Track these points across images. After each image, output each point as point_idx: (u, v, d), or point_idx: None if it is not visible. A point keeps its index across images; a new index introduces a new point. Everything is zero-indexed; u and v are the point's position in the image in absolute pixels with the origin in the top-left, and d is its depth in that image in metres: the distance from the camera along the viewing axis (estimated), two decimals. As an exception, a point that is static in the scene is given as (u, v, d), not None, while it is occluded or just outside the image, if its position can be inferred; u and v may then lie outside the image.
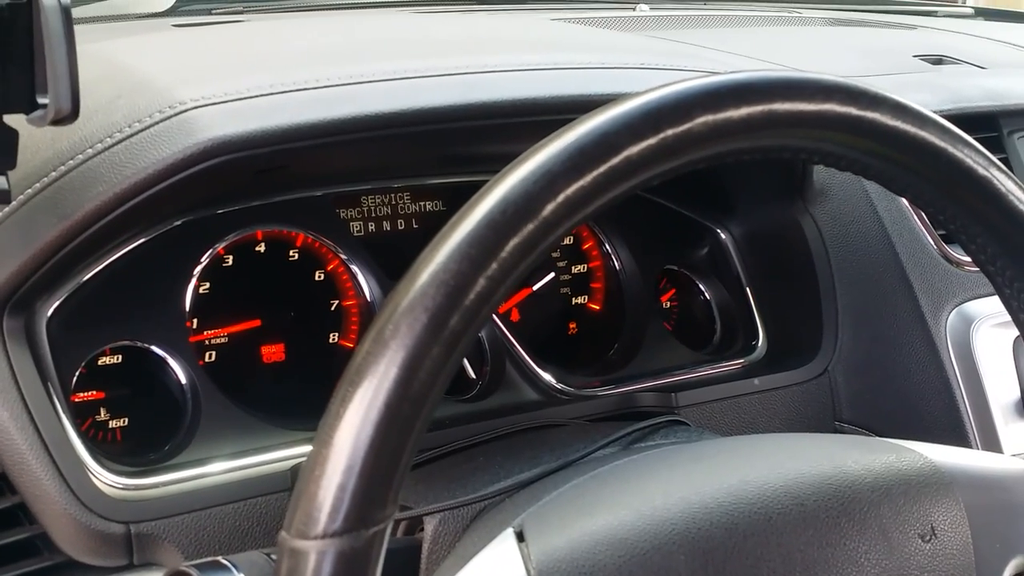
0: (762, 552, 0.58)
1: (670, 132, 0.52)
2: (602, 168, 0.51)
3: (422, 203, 0.94)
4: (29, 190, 0.69)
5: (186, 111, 0.69)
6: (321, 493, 0.45)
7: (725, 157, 0.55)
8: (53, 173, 0.69)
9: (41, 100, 0.63)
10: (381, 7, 1.35)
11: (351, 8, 1.31)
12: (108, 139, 0.69)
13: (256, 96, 0.70)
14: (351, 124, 0.70)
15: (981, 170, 0.60)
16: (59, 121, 0.62)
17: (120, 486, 0.72)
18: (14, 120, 0.63)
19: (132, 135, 0.68)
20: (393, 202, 0.94)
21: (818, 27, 1.46)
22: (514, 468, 0.73)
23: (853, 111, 0.57)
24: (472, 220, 0.49)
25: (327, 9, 1.30)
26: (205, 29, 1.09)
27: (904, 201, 0.99)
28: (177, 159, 0.66)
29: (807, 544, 0.60)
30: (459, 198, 0.96)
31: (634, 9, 1.45)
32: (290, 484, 0.77)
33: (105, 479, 0.72)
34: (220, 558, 0.62)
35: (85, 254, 0.72)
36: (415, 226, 0.95)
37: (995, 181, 0.59)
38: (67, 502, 0.69)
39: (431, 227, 0.94)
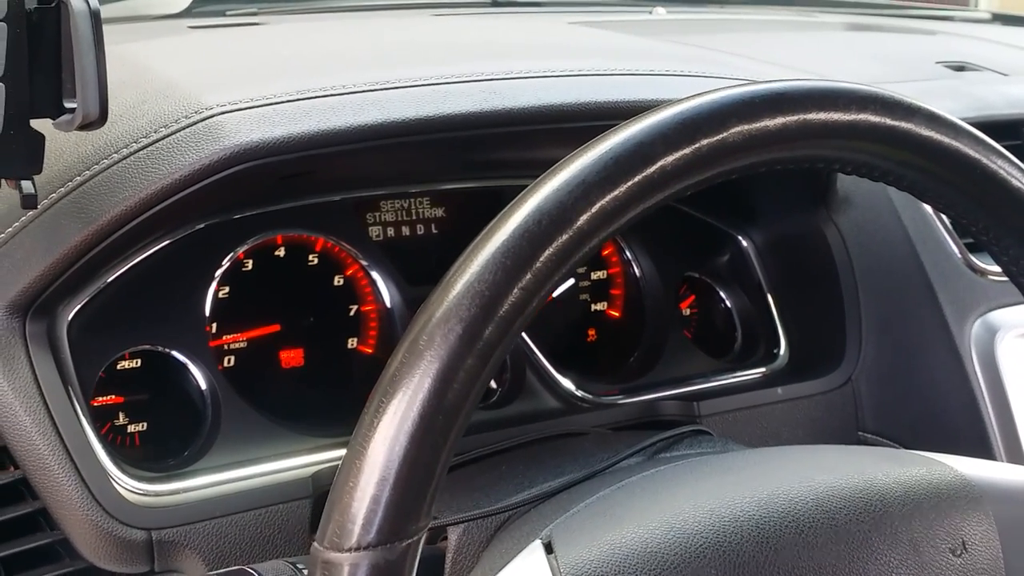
0: (793, 566, 0.58)
1: (705, 142, 0.51)
2: (637, 178, 0.50)
3: (442, 208, 0.93)
4: (53, 194, 0.69)
5: (212, 116, 0.68)
6: (355, 505, 0.45)
7: (759, 167, 0.55)
8: (78, 178, 0.69)
9: (68, 105, 0.63)
10: (396, 9, 1.35)
11: (365, 10, 1.30)
12: (134, 144, 0.68)
13: (283, 102, 0.69)
14: (378, 130, 0.69)
15: (1015, 181, 0.60)
16: (87, 126, 0.61)
17: (142, 492, 0.72)
18: (40, 125, 0.63)
19: (158, 140, 0.68)
20: (413, 207, 0.93)
21: (837, 32, 1.45)
22: (538, 477, 0.73)
23: (887, 121, 0.57)
24: (506, 230, 0.48)
25: (341, 11, 1.30)
26: (224, 32, 1.09)
27: (929, 209, 0.98)
28: (204, 164, 0.66)
29: (838, 558, 0.59)
30: (480, 203, 0.96)
31: (651, 12, 1.45)
32: (311, 491, 0.76)
33: (127, 485, 0.72)
34: (245, 567, 0.61)
35: (108, 258, 0.71)
36: (434, 231, 0.94)
37: (1030, 193, 0.58)
38: (89, 508, 0.68)
39: (450, 232, 0.94)
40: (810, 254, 0.99)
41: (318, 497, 0.76)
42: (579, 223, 0.49)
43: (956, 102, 1.02)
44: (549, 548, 0.57)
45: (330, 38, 0.97)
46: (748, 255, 1.03)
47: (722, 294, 1.04)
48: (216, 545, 0.72)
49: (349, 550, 0.45)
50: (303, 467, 0.78)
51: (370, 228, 0.91)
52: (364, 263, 0.90)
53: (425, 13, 1.30)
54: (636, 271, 1.01)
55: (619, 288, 1.03)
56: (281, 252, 0.88)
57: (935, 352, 0.96)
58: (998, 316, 0.97)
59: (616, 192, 0.50)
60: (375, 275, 0.90)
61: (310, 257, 0.89)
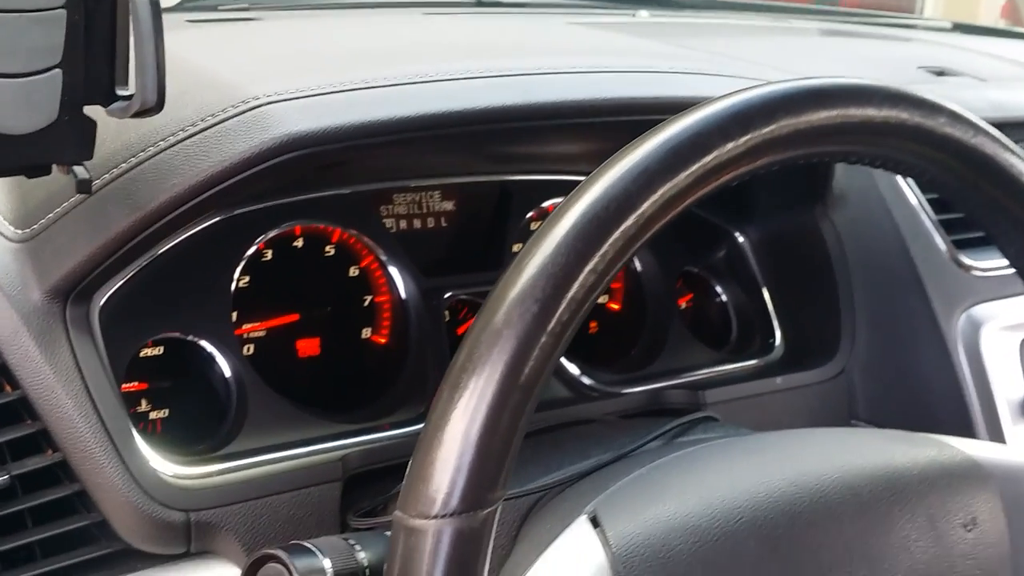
0: (823, 539, 0.61)
1: (755, 134, 0.54)
2: (695, 167, 0.53)
3: (457, 201, 0.95)
4: (98, 181, 0.70)
5: (260, 106, 0.70)
6: (438, 475, 0.47)
7: (799, 160, 0.58)
8: (124, 165, 0.70)
9: (120, 92, 0.64)
10: (388, 7, 1.36)
11: (356, 7, 1.32)
12: (181, 132, 0.70)
13: (328, 92, 0.71)
14: (420, 122, 0.71)
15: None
16: (142, 113, 0.63)
17: (180, 475, 0.73)
18: (92, 111, 0.64)
19: (205, 129, 0.69)
20: (428, 200, 0.95)
21: (816, 37, 1.50)
22: (564, 460, 0.75)
23: (915, 118, 0.60)
24: (576, 214, 0.51)
25: (332, 8, 1.31)
26: (226, 26, 1.10)
27: (917, 206, 1.03)
28: (253, 153, 0.67)
29: (863, 531, 0.62)
30: (491, 197, 0.98)
31: (634, 15, 1.48)
32: (341, 474, 0.78)
33: (166, 468, 0.73)
34: (303, 542, 0.63)
35: (149, 245, 0.72)
36: (446, 224, 0.96)
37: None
38: (130, 491, 0.69)
39: (463, 225, 0.96)
40: (805, 249, 1.03)
41: (348, 480, 0.78)
42: (643, 208, 0.52)
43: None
44: (595, 522, 0.60)
45: (345, 34, 0.98)
46: (744, 250, 1.06)
47: (718, 288, 1.07)
48: (251, 526, 0.73)
49: (434, 517, 0.47)
50: (332, 451, 0.79)
51: (385, 220, 0.93)
52: (379, 254, 0.91)
53: (415, 12, 1.31)
54: (636, 266, 1.04)
55: (619, 282, 1.05)
56: (299, 243, 0.89)
57: (924, 344, 1.00)
58: (983, 310, 1.01)
59: (676, 179, 0.52)
60: (390, 266, 0.91)
61: (327, 248, 0.90)
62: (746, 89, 0.55)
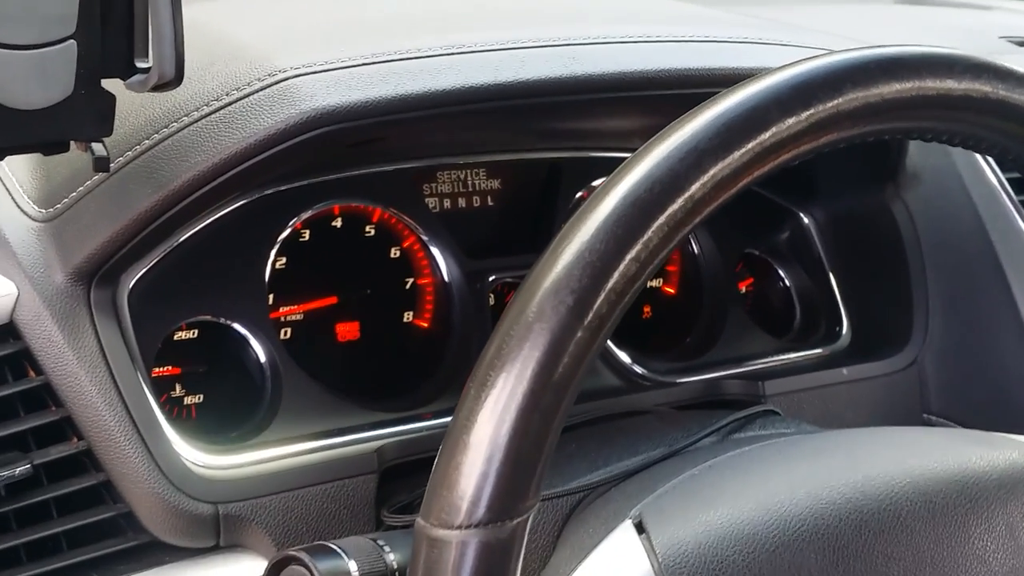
0: (892, 551, 0.56)
1: (820, 107, 0.49)
2: (750, 144, 0.48)
3: (499, 180, 0.91)
4: (120, 159, 0.67)
5: (287, 79, 0.66)
6: (463, 481, 0.43)
7: (868, 137, 0.53)
8: (147, 141, 0.67)
9: (140, 65, 0.61)
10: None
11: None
12: (205, 107, 0.66)
13: (359, 65, 0.67)
14: (456, 96, 0.67)
15: None
16: (161, 87, 0.59)
17: (208, 465, 0.70)
18: (111, 86, 0.61)
19: (231, 103, 0.66)
20: (471, 178, 0.91)
21: (891, 6, 1.42)
22: (612, 456, 0.71)
23: (1001, 91, 0.54)
24: (616, 197, 0.46)
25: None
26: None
27: (998, 186, 0.97)
28: (279, 129, 0.64)
29: (936, 542, 0.57)
30: (539, 175, 0.94)
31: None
32: (377, 466, 0.74)
33: (193, 458, 0.70)
34: (327, 543, 0.60)
35: (175, 225, 0.69)
36: (492, 203, 0.92)
37: None
38: (155, 481, 0.67)
39: (510, 204, 0.92)
40: (875, 231, 0.97)
41: (384, 472, 0.74)
42: (691, 191, 0.47)
43: (1026, 77, 0.99)
44: (640, 528, 0.56)
45: (381, 1, 0.93)
46: (809, 232, 1.01)
47: (781, 272, 1.02)
48: (283, 520, 0.70)
49: (459, 527, 0.43)
50: (367, 441, 0.76)
51: (427, 199, 0.89)
52: (421, 235, 0.88)
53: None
54: (694, 248, 0.99)
55: (675, 264, 1.00)
56: (338, 223, 0.86)
57: (1003, 333, 0.94)
58: (1068, 296, 0.95)
59: (729, 159, 0.48)
60: (432, 248, 0.88)
61: (367, 228, 0.87)
62: (809, 59, 0.50)
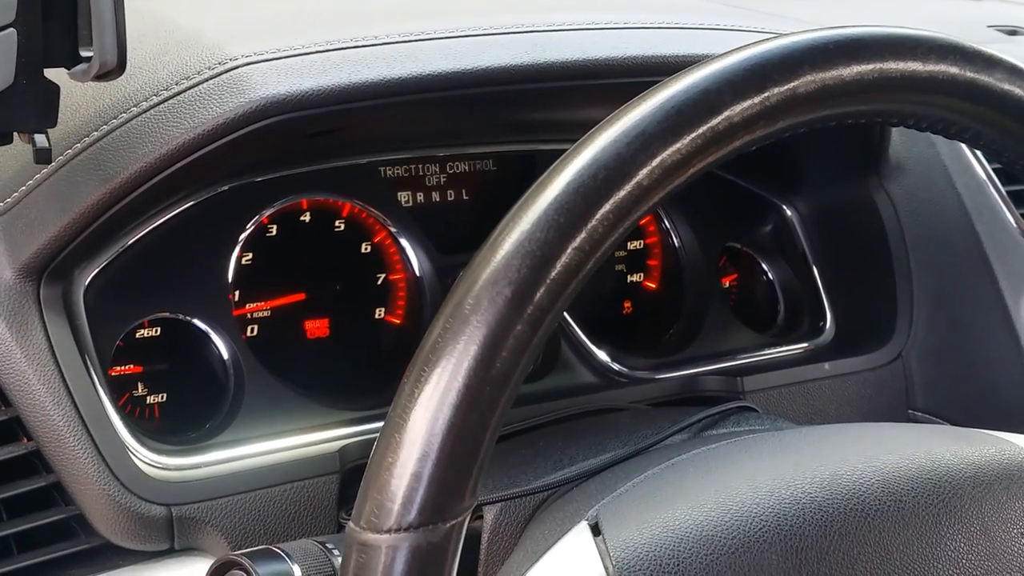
0: (858, 552, 0.54)
1: (775, 91, 0.47)
2: (701, 129, 0.46)
3: (476, 173, 0.89)
4: (69, 151, 0.65)
5: (237, 67, 0.64)
6: (394, 482, 0.41)
7: (828, 121, 0.50)
8: (95, 133, 0.65)
9: (84, 54, 0.59)
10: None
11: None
12: (154, 97, 0.65)
13: (311, 52, 0.65)
14: (411, 84, 0.65)
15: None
16: (104, 76, 0.58)
17: (161, 466, 0.68)
18: (55, 76, 0.59)
19: (180, 92, 0.64)
20: (444, 171, 0.89)
21: (881, -4, 1.40)
22: (578, 455, 0.69)
23: (967, 73, 0.52)
24: (559, 184, 0.44)
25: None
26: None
27: (984, 176, 0.94)
28: (228, 119, 0.62)
29: (905, 544, 0.55)
30: (514, 168, 0.92)
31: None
32: (339, 466, 0.72)
33: (146, 458, 0.68)
34: (272, 547, 0.58)
35: (127, 219, 0.68)
36: (466, 197, 0.90)
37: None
38: (105, 482, 0.65)
39: (483, 198, 0.90)
40: (859, 224, 0.95)
41: (346, 473, 0.72)
42: (639, 177, 0.45)
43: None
44: (596, 530, 0.54)
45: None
46: (792, 225, 0.99)
47: (764, 266, 1.00)
48: (239, 522, 0.68)
49: (388, 531, 0.41)
50: (330, 441, 0.75)
51: (399, 193, 0.87)
52: (393, 230, 0.86)
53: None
54: (675, 241, 0.97)
55: (656, 259, 0.99)
56: (306, 217, 0.84)
57: (989, 327, 0.92)
58: (1056, 290, 0.93)
59: (679, 144, 0.45)
60: (404, 242, 0.86)
61: (336, 223, 0.85)
62: (765, 40, 0.48)
